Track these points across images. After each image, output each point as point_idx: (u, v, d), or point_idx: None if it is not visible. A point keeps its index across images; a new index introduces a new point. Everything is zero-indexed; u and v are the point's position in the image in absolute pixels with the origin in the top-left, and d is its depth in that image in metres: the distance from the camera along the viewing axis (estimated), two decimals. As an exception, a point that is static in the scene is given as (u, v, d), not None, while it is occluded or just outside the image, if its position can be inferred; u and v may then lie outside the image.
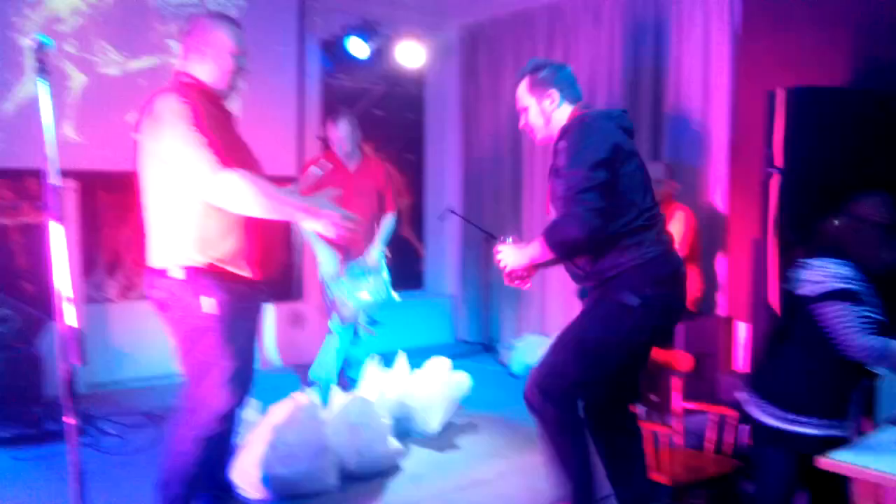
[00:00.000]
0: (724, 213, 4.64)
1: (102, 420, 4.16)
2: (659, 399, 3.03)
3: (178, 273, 2.45)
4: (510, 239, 2.70)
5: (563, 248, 2.52)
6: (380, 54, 5.77)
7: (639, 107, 5.06)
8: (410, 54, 5.89)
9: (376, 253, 4.39)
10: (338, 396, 3.65)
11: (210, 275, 2.45)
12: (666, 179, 4.34)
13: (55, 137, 1.91)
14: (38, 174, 4.60)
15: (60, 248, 1.84)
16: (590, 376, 2.62)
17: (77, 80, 4.63)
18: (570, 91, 2.67)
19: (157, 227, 2.53)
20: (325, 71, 5.85)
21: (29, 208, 4.67)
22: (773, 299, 3.79)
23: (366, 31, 5.57)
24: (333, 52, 5.81)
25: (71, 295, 1.80)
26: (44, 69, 1.97)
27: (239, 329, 2.53)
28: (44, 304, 4.56)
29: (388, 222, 4.42)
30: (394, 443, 3.63)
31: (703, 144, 4.74)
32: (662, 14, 4.92)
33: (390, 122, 6.24)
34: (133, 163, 4.28)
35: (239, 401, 2.57)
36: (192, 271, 2.44)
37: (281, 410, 3.34)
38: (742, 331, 4.49)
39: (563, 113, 2.66)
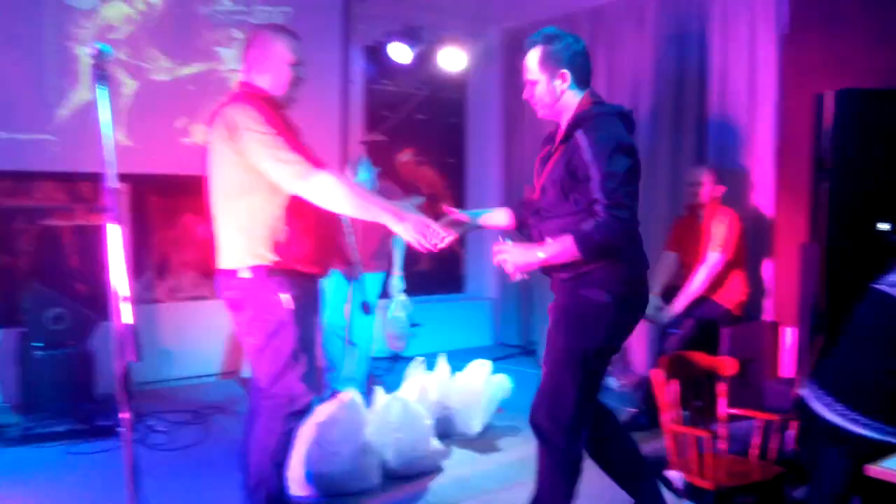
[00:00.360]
0: (770, 217, 4.57)
1: (150, 417, 4.27)
2: (703, 404, 3.00)
3: (251, 273, 2.56)
4: (509, 240, 2.62)
5: (599, 251, 2.45)
6: (422, 59, 5.82)
7: (683, 110, 5.02)
8: (453, 59, 5.93)
9: (397, 280, 4.63)
10: (380, 397, 3.69)
11: (282, 272, 2.56)
12: (708, 183, 4.30)
13: (113, 142, 1.97)
14: (90, 177, 4.76)
15: (117, 248, 1.90)
16: (587, 389, 2.62)
17: (129, 86, 4.76)
18: (582, 72, 2.61)
19: (228, 229, 2.63)
20: (369, 76, 5.91)
21: (82, 210, 4.82)
22: (822, 303, 3.74)
23: (408, 37, 5.62)
24: (376, 57, 5.87)
25: (127, 293, 1.86)
26: (103, 76, 2.04)
27: (308, 323, 2.66)
28: (96, 303, 4.70)
29: (399, 245, 4.54)
30: (435, 443, 3.65)
31: (748, 147, 4.68)
32: (706, 16, 4.87)
33: (432, 127, 6.29)
34: (185, 167, 4.39)
35: (314, 393, 2.69)
36: (266, 270, 2.55)
37: (325, 409, 3.39)
38: (788, 336, 4.43)
39: (573, 96, 2.60)
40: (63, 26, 4.51)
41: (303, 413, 2.68)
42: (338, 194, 2.47)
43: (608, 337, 2.61)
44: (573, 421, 2.63)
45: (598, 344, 2.58)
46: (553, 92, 2.59)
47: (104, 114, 1.99)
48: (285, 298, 2.55)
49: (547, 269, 2.64)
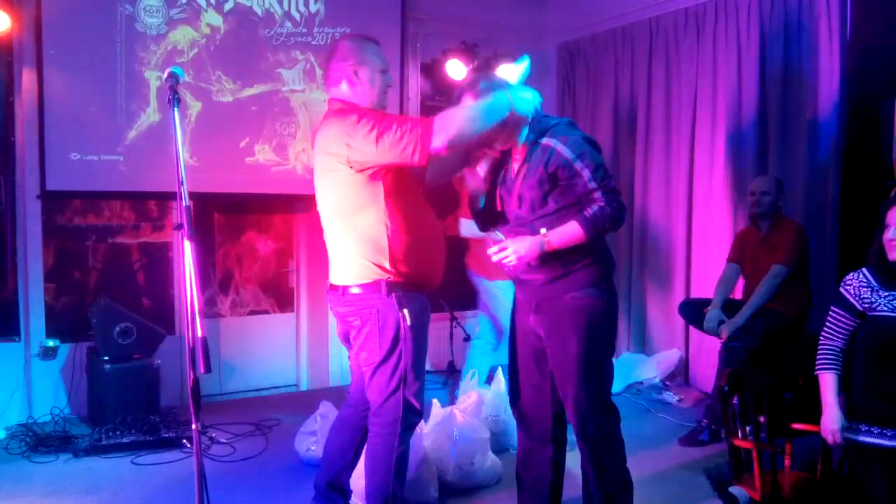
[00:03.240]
0: (835, 227, 4.47)
1: (213, 429, 4.36)
2: (767, 419, 2.95)
3: (370, 289, 2.57)
4: (501, 235, 2.69)
5: (603, 231, 2.56)
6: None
7: (743, 119, 4.95)
8: (508, 74, 5.94)
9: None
10: (437, 410, 3.71)
11: (401, 287, 2.56)
12: (771, 193, 4.22)
13: (184, 161, 2.04)
14: (156, 196, 4.92)
15: (190, 264, 1.96)
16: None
17: (194, 107, 4.91)
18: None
19: (344, 246, 2.64)
20: (425, 93, 5.98)
21: (148, 228, 4.97)
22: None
23: (464, 54, 5.66)
24: (433, 74, 5.94)
25: (198, 307, 1.91)
26: (177, 99, 2.11)
27: (423, 339, 2.66)
28: (161, 317, 4.85)
29: None
30: (492, 457, 3.65)
31: (812, 157, 4.58)
32: (767, 25, 4.79)
33: (487, 141, 6.31)
34: (248, 186, 4.47)
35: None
36: (386, 285, 2.56)
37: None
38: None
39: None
40: (134, 51, 4.68)
41: (414, 427, 2.71)
42: (460, 120, 2.43)
43: (614, 332, 2.77)
44: (619, 429, 2.73)
45: (611, 340, 2.73)
46: None
47: (178, 135, 2.05)
48: (406, 314, 2.54)
49: (524, 272, 2.65)
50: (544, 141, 2.59)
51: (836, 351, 2.66)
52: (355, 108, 2.57)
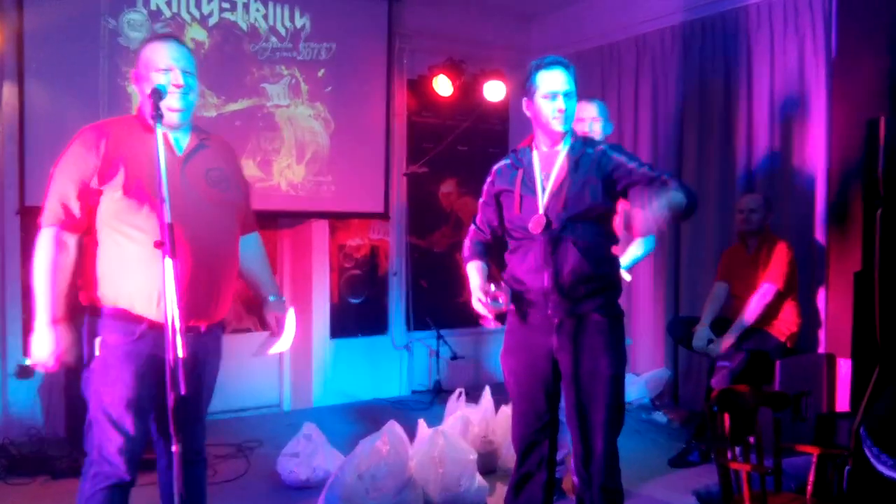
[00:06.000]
0: (822, 245, 4.47)
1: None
2: (756, 439, 2.92)
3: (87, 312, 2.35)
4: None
5: (693, 206, 2.51)
6: (464, 91, 5.86)
7: (731, 137, 4.96)
8: (494, 90, 5.95)
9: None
10: (423, 430, 3.66)
11: (101, 313, 2.30)
12: (759, 210, 4.22)
13: (166, 178, 2.00)
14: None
15: (171, 282, 1.91)
16: None
17: (177, 122, 4.85)
18: None
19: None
20: (411, 109, 5.97)
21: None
22: (877, 333, 3.62)
23: (451, 70, 5.66)
24: (419, 90, 5.94)
25: (178, 326, 1.87)
26: (160, 115, 2.07)
27: (133, 374, 2.28)
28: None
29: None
30: (479, 478, 3.60)
31: (799, 174, 4.59)
32: (755, 43, 4.83)
33: (474, 157, 6.29)
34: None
35: (136, 450, 2.34)
36: (90, 310, 2.33)
37: (368, 443, 3.37)
38: (843, 368, 4.29)
39: None
40: (117, 65, 4.64)
41: (114, 487, 2.30)
42: (37, 254, 2.26)
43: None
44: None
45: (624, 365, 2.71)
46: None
47: (161, 151, 2.02)
48: (97, 343, 2.26)
49: (580, 284, 2.58)
50: (591, 150, 2.64)
51: None
52: (97, 128, 2.46)
